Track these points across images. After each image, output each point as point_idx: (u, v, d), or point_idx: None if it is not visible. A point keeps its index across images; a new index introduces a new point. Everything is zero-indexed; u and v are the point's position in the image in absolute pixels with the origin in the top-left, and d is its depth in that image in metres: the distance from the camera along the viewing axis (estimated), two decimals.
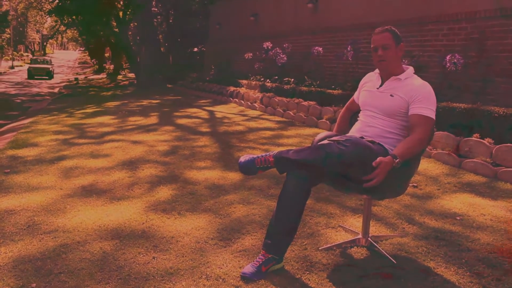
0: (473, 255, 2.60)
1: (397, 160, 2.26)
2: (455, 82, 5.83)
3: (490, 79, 5.54)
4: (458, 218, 3.19)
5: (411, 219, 3.17)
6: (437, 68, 6.07)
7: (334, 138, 2.43)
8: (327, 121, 6.67)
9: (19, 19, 40.58)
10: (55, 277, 2.32)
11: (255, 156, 2.40)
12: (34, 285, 2.24)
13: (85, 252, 2.60)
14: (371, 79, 2.72)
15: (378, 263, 2.50)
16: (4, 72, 26.32)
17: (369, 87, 2.69)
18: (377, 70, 2.69)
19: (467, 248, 2.69)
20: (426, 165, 4.53)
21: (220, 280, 2.29)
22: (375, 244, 2.66)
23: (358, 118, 2.71)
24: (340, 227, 3.01)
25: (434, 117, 2.45)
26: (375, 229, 2.98)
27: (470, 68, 5.69)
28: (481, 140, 4.45)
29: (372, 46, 2.58)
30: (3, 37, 34.30)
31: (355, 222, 3.08)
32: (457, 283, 2.30)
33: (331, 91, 7.45)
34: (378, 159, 2.25)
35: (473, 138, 4.53)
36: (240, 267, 2.41)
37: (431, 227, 3.02)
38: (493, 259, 2.55)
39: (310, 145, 2.50)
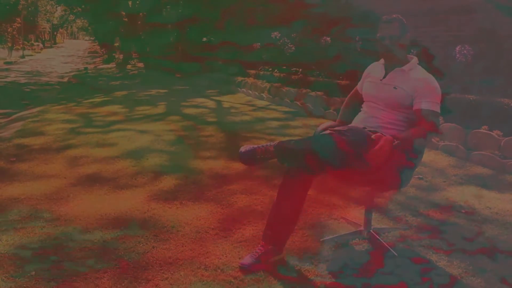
0: (477, 249, 2.56)
1: (397, 141, 2.20)
2: (464, 73, 5.73)
3: (500, 71, 5.43)
4: (463, 211, 3.14)
5: (415, 211, 3.13)
6: (447, 59, 5.96)
7: (336, 128, 2.40)
8: (334, 112, 6.61)
9: (29, 9, 40.68)
10: (55, 265, 2.32)
11: (256, 145, 2.37)
12: (33, 273, 2.25)
13: (85, 241, 2.61)
14: (375, 69, 2.67)
15: (380, 256, 2.47)
16: (14, 62, 26.33)
17: (373, 78, 2.64)
18: (381, 60, 2.64)
19: (471, 242, 2.65)
20: (433, 157, 4.47)
21: (219, 270, 2.28)
22: (377, 237, 2.63)
23: (361, 109, 2.66)
24: (342, 218, 2.98)
25: (439, 110, 2.40)
26: (378, 221, 2.94)
27: (480, 59, 5.58)
28: (490, 132, 4.37)
29: (378, 34, 2.53)
30: (13, 26, 34.45)
31: (358, 214, 3.04)
32: (459, 277, 2.27)
33: (338, 81, 7.38)
34: (379, 134, 2.22)
35: (482, 130, 4.45)
36: (239, 258, 2.40)
37: (435, 220, 2.98)
38: (498, 254, 2.51)
39: (311, 135, 2.47)
